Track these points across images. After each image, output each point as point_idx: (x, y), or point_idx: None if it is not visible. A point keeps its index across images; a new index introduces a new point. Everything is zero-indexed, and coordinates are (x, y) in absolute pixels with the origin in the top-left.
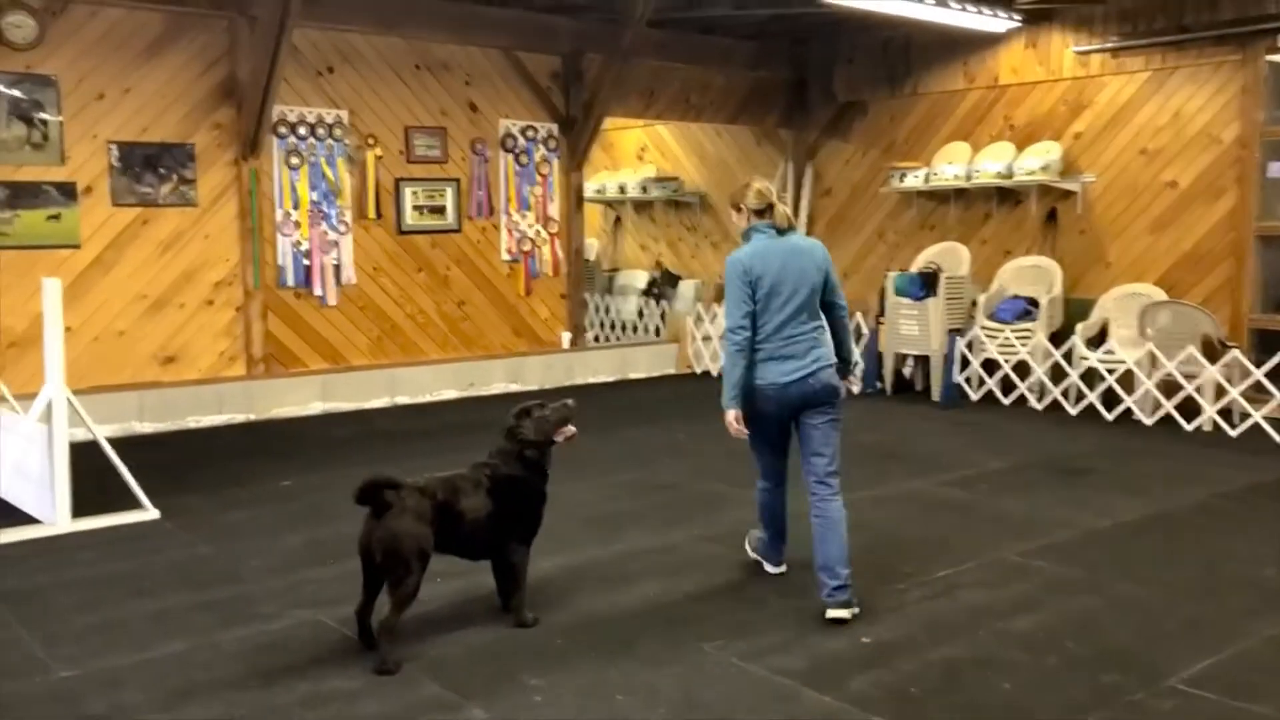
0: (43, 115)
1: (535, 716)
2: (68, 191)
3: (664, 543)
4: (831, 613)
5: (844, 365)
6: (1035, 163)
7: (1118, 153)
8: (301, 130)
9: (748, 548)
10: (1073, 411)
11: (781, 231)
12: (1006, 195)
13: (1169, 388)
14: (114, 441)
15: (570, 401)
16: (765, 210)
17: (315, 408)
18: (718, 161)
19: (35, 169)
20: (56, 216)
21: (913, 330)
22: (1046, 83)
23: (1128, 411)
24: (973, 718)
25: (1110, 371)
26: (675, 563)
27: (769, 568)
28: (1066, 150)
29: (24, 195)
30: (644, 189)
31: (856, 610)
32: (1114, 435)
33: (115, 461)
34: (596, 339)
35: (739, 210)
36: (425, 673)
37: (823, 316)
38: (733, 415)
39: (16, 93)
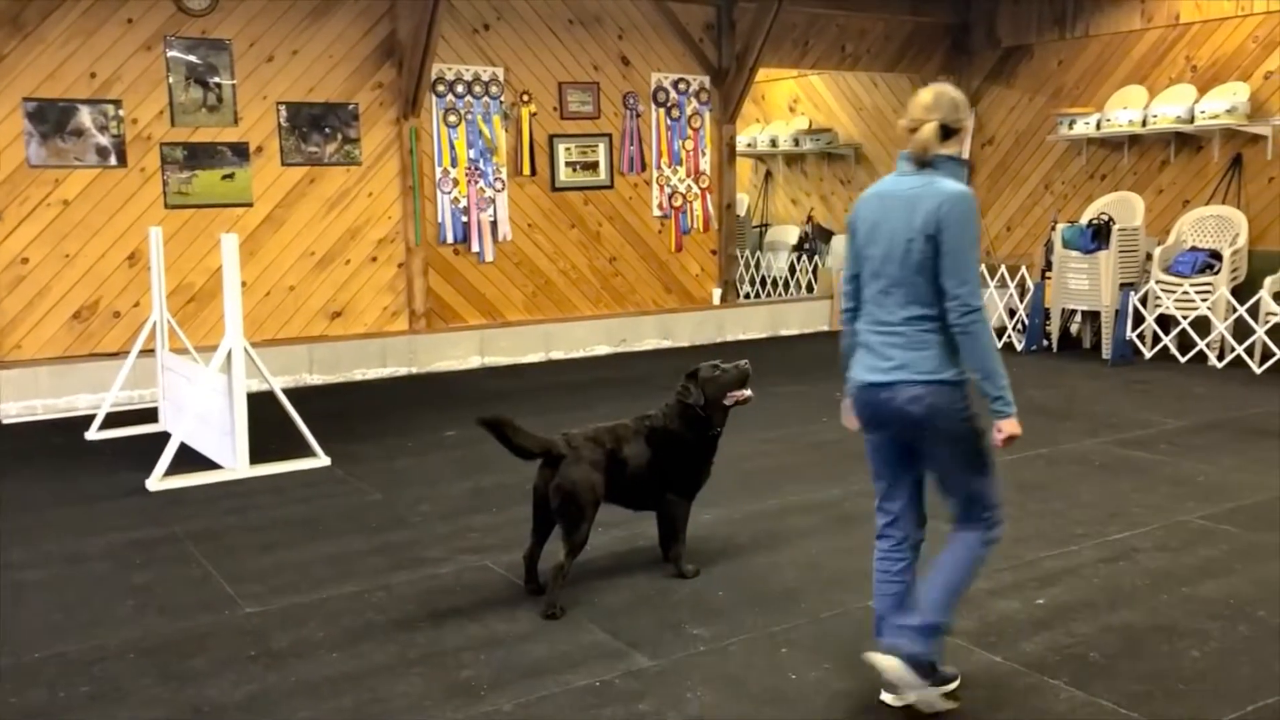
0: (217, 78)
1: (700, 665)
2: (240, 152)
3: (822, 498)
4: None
5: (984, 387)
6: (1220, 105)
7: None
8: (459, 88)
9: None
10: (1258, 370)
11: (921, 165)
12: (1186, 141)
13: None
14: (286, 392)
15: (744, 363)
16: (915, 131)
17: (474, 362)
18: (874, 112)
19: (210, 130)
20: (230, 176)
21: (1082, 284)
22: (1235, 18)
23: None
24: (1159, 686)
25: None
26: (834, 518)
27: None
28: (1255, 91)
29: (201, 156)
30: (796, 141)
31: (946, 685)
32: None
33: (290, 411)
34: (748, 295)
35: None
36: (590, 619)
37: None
38: (845, 404)
39: (193, 58)
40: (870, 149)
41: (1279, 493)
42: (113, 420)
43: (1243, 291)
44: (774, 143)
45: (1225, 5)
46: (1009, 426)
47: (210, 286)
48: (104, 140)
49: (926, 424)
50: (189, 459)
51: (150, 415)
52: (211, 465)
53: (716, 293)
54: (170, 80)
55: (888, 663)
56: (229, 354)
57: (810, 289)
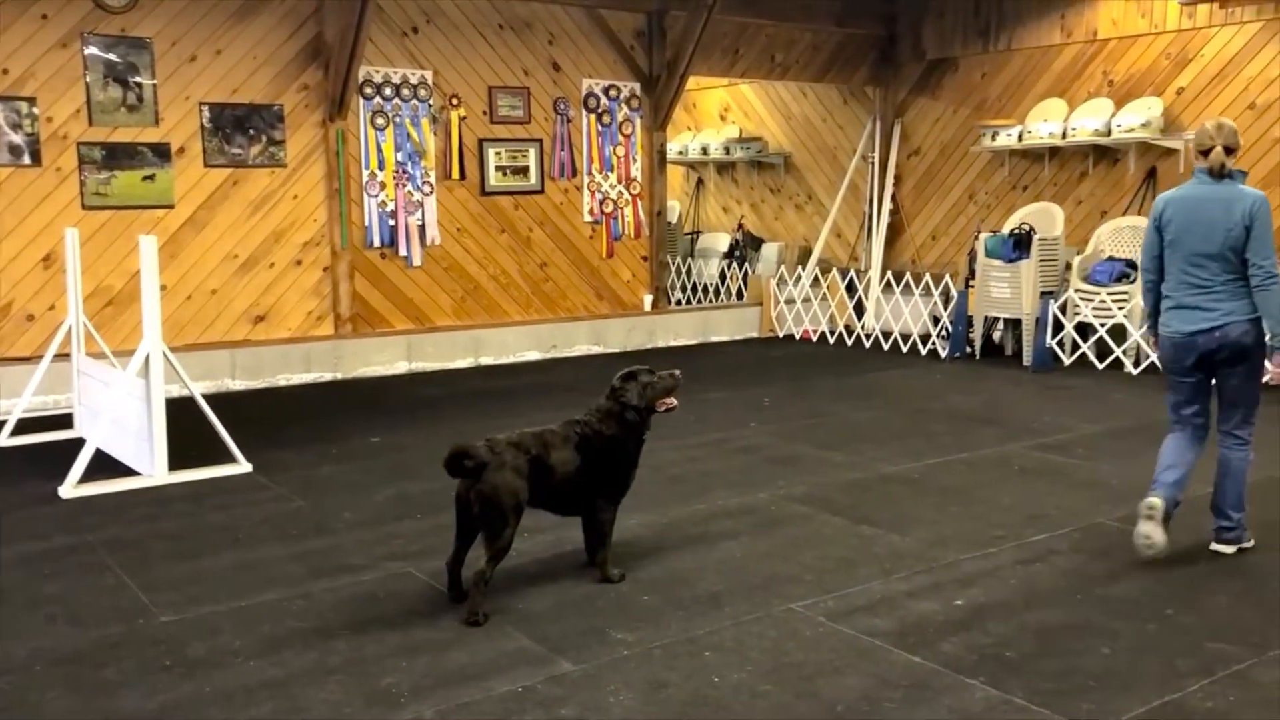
0: (137, 78)
1: (623, 671)
2: (161, 152)
3: (748, 503)
4: (1214, 546)
5: (1273, 328)
6: (1135, 119)
7: (1223, 108)
8: (387, 91)
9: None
10: None
11: (1217, 177)
12: (1104, 154)
13: None
14: (207, 398)
15: (677, 373)
16: (1206, 153)
17: (400, 367)
18: (803, 121)
19: (130, 130)
20: (151, 177)
21: (1004, 293)
22: (1148, 35)
23: None
24: (1070, 683)
25: None
26: (760, 522)
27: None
28: (1169, 106)
29: (120, 156)
30: (726, 150)
31: (1242, 546)
32: None
33: (210, 416)
34: (678, 302)
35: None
36: (513, 625)
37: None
38: (1151, 341)
39: (112, 56)
40: (799, 158)
41: (1192, 496)
42: (25, 426)
43: None
44: (705, 150)
45: (1140, 23)
46: None
47: (129, 289)
48: (17, 139)
49: (1249, 347)
50: (105, 466)
51: (65, 421)
52: (128, 472)
53: (648, 299)
54: (88, 78)
55: (1155, 501)
56: (146, 358)
57: (740, 296)
